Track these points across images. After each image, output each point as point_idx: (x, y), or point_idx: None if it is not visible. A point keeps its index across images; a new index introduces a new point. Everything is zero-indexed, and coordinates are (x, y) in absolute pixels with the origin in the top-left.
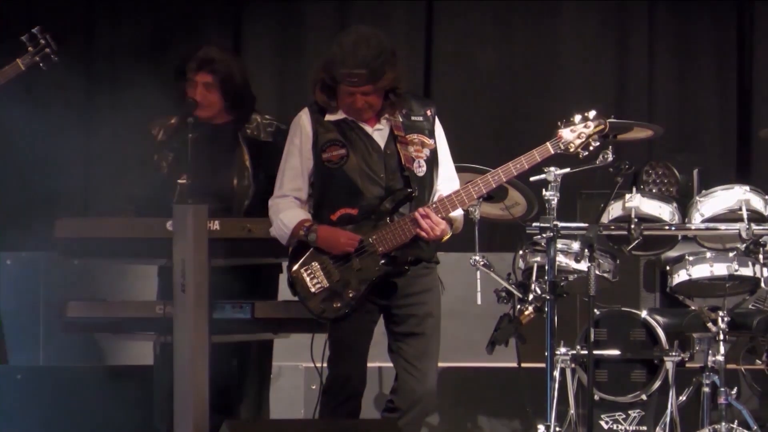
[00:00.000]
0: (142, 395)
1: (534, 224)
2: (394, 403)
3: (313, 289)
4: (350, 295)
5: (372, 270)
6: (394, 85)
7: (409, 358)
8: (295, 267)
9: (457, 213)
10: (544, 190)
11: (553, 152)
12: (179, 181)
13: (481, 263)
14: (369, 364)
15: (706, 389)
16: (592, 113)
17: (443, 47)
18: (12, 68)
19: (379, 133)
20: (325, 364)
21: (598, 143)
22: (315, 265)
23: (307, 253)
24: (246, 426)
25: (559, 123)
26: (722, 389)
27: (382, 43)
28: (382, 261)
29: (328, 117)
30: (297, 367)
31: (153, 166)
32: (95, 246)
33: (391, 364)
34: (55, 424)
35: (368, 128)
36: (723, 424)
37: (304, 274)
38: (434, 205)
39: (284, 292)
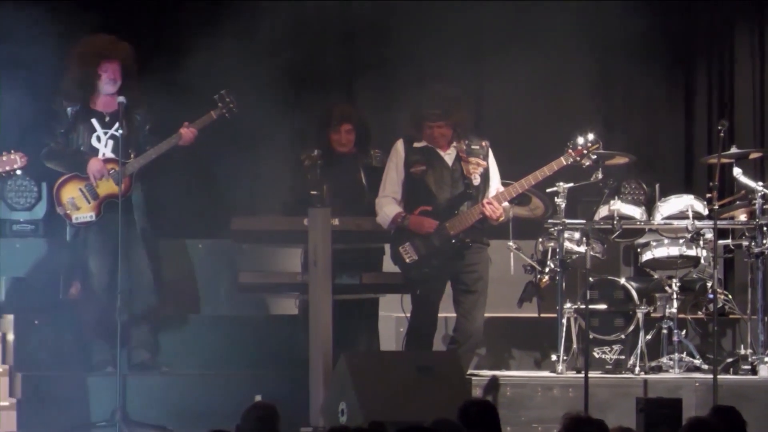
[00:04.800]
0: (290, 334)
1: (549, 221)
2: (455, 339)
3: (408, 261)
4: (432, 264)
5: (446, 246)
6: (459, 123)
7: (466, 307)
8: (395, 246)
9: (506, 205)
10: (556, 198)
11: (565, 163)
12: (312, 192)
13: (514, 247)
14: (439, 314)
15: (665, 331)
16: (590, 135)
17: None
18: (207, 117)
19: (449, 156)
20: (409, 314)
21: (596, 156)
22: (408, 244)
23: (403, 236)
24: (358, 356)
25: (568, 143)
26: (675, 331)
27: (451, 93)
28: (453, 240)
29: (416, 144)
30: (390, 316)
31: (300, 183)
32: (258, 235)
33: (452, 315)
34: (235, 355)
35: (441, 152)
36: (675, 354)
37: (401, 251)
38: (494, 197)
39: (386, 266)
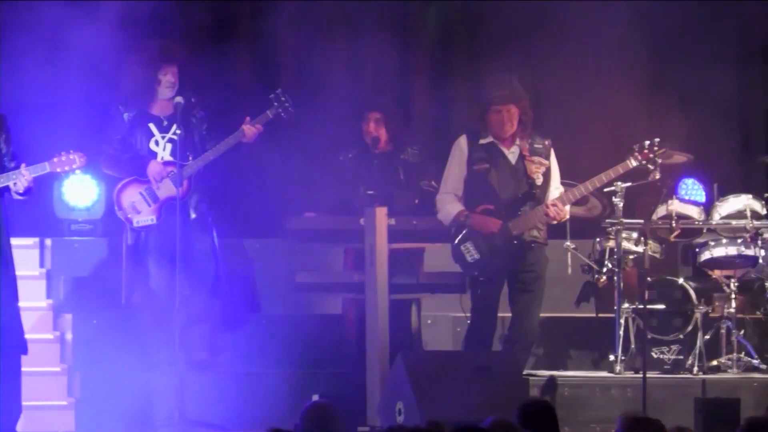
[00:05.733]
0: (347, 333)
1: (607, 220)
2: (511, 338)
3: (469, 259)
4: (494, 263)
5: (509, 246)
6: (524, 109)
7: (523, 306)
8: (457, 244)
9: (567, 207)
10: (614, 197)
11: (631, 166)
12: (368, 192)
13: (572, 246)
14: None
15: (723, 331)
16: (656, 140)
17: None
18: (263, 117)
19: (512, 154)
20: (468, 314)
21: (660, 160)
22: (470, 243)
23: (465, 235)
24: (415, 355)
25: (634, 146)
26: (733, 331)
27: (515, 80)
28: (515, 240)
29: (480, 141)
30: (447, 316)
31: (341, 182)
32: (311, 234)
33: (508, 314)
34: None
35: (505, 150)
36: (734, 354)
37: (463, 249)
38: (558, 199)
39: (432, 264)
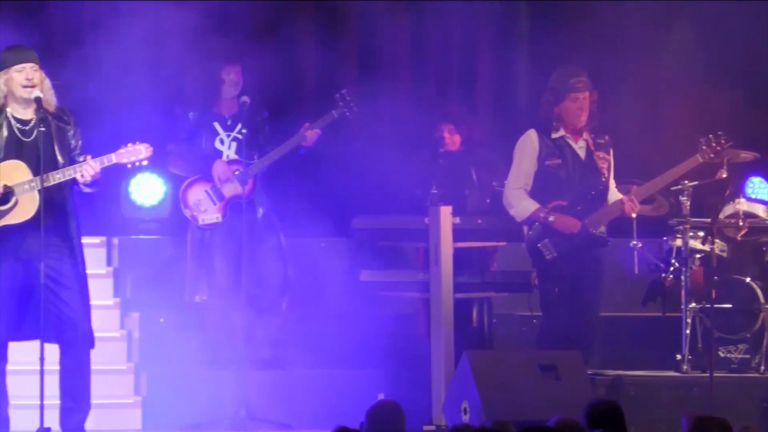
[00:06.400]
0: (411, 332)
1: (674, 219)
2: (578, 337)
3: (547, 257)
4: (571, 261)
5: (586, 244)
6: (594, 104)
7: (590, 304)
8: (534, 241)
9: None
10: (680, 196)
11: (700, 161)
12: (432, 191)
13: (639, 245)
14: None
15: None
16: (720, 133)
17: None
18: (328, 116)
19: (581, 149)
20: (536, 312)
21: (727, 158)
22: (547, 241)
23: (542, 232)
24: (480, 354)
25: (701, 140)
26: None
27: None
28: (591, 238)
29: (552, 135)
30: (513, 315)
31: (416, 181)
32: (378, 234)
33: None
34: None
35: (574, 145)
36: None
37: (541, 248)
38: (633, 194)
39: (499, 263)
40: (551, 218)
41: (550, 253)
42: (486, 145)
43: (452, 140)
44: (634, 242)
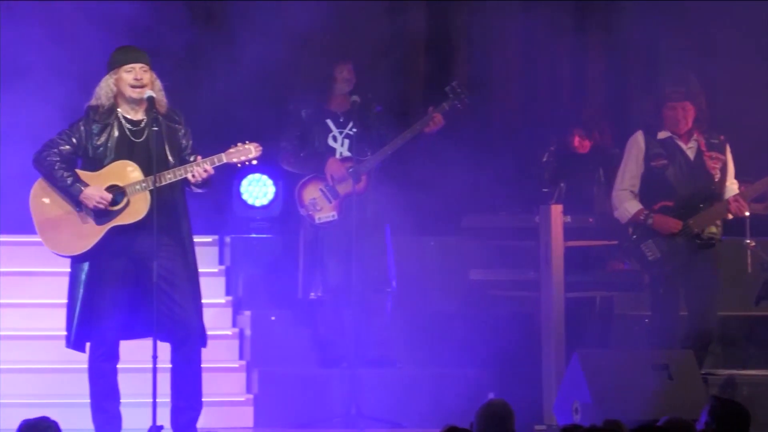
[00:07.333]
0: (522, 331)
1: None
2: (689, 337)
3: (650, 258)
4: (675, 262)
5: (690, 245)
6: (700, 107)
7: (701, 305)
8: (636, 242)
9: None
10: None
11: None
12: (543, 189)
13: (752, 244)
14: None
15: None
16: None
17: None
18: (439, 109)
19: (690, 150)
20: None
21: None
22: (650, 241)
23: (645, 233)
24: (591, 354)
25: None
26: None
27: (691, 76)
28: (697, 240)
29: (658, 136)
30: (624, 315)
31: (537, 180)
32: (488, 232)
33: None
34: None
35: (683, 145)
36: None
37: (644, 248)
38: (740, 194)
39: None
40: (650, 220)
41: (653, 254)
42: (614, 145)
43: (582, 145)
44: (747, 241)
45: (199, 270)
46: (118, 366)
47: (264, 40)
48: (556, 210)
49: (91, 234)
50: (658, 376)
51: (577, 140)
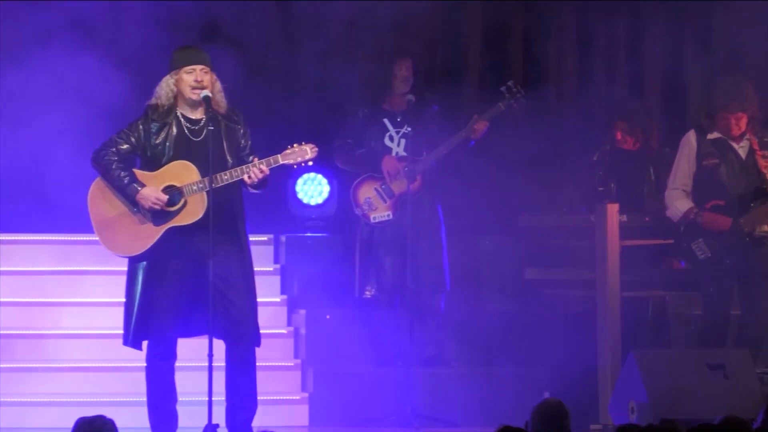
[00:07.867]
0: (577, 331)
1: None
2: (744, 336)
3: (700, 257)
4: (725, 261)
5: (741, 244)
6: (754, 115)
7: (755, 303)
8: (687, 241)
9: None
10: None
11: None
12: (599, 188)
13: None
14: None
15: None
16: None
17: None
18: (495, 109)
19: (742, 149)
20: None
21: None
22: (701, 240)
23: (695, 232)
24: (647, 353)
25: None
26: None
27: (745, 85)
28: (747, 238)
29: (709, 136)
30: (680, 314)
31: (589, 180)
32: (543, 231)
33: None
34: (522, 351)
35: (735, 145)
36: None
37: (694, 247)
38: None
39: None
40: (699, 218)
41: (703, 252)
42: (665, 145)
43: (625, 140)
44: None
45: (255, 269)
46: (175, 364)
47: (323, 39)
48: (612, 209)
49: (149, 235)
50: (713, 375)
51: (619, 134)
